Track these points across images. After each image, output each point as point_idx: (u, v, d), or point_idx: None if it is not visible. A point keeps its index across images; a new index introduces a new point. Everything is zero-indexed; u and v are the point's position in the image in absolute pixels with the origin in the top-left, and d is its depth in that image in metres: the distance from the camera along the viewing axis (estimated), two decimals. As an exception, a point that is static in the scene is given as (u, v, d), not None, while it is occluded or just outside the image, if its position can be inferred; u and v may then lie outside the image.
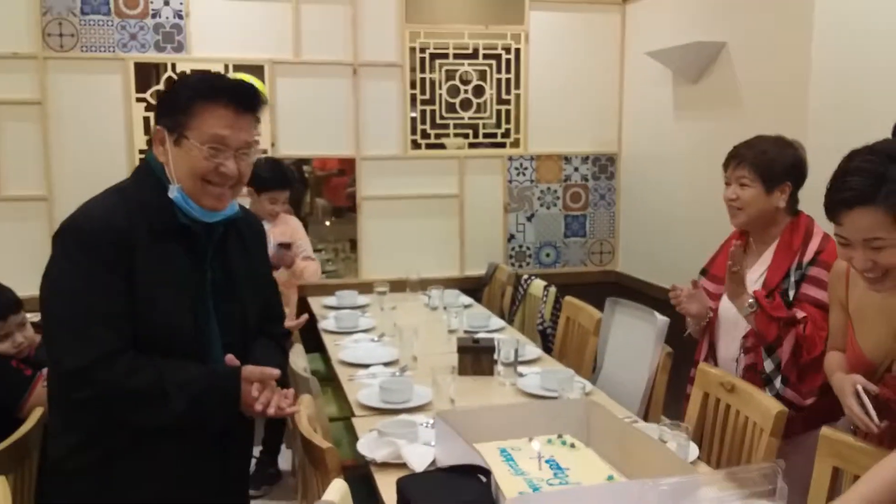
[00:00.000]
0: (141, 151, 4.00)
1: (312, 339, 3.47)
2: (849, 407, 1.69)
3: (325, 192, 4.46)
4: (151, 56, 4.03)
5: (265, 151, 4.16)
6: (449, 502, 1.40)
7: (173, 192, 1.62)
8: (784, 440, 1.93)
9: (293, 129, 4.25)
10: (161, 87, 4.01)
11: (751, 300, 2.12)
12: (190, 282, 1.64)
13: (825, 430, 1.74)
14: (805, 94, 2.94)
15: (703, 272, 2.44)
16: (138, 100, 4.01)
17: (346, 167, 4.40)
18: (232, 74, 3.99)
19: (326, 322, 3.54)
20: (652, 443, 1.73)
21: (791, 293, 2.15)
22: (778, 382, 2.13)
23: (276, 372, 1.65)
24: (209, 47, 4.08)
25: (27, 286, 2.10)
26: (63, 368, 1.55)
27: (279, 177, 3.55)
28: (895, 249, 1.53)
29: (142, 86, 4.01)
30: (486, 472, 1.49)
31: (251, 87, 1.70)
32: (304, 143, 4.30)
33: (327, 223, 4.46)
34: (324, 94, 4.27)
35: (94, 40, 3.97)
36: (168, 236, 1.62)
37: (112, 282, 1.54)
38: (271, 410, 1.63)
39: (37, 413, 1.90)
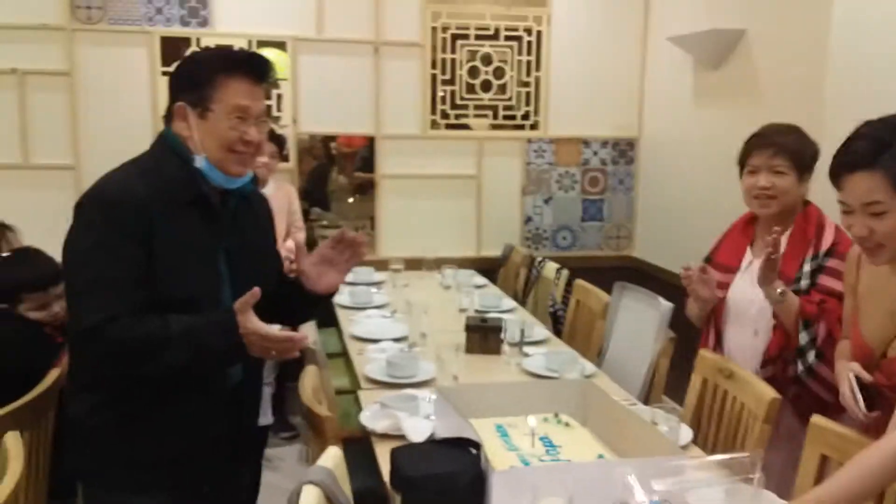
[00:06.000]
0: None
1: (329, 314, 3.54)
2: (841, 394, 1.71)
3: (349, 169, 4.51)
4: (177, 30, 4.10)
5: (285, 126, 4.23)
6: (435, 470, 1.45)
7: (200, 163, 1.69)
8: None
9: (315, 105, 4.31)
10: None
11: (781, 288, 2.08)
12: (207, 250, 1.72)
13: (815, 419, 1.76)
14: (822, 82, 2.92)
15: (707, 260, 2.44)
16: (164, 73, 4.08)
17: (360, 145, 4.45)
18: (257, 51, 4.05)
19: (341, 297, 3.60)
20: (643, 424, 1.77)
21: (804, 283, 2.15)
22: (811, 356, 2.08)
23: (255, 292, 1.64)
24: (233, 22, 4.14)
25: (54, 253, 2.16)
26: (80, 328, 1.62)
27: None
28: (894, 216, 1.53)
29: (167, 59, 4.07)
30: (477, 445, 1.54)
31: (264, 58, 1.78)
32: (326, 121, 4.35)
33: (350, 200, 4.52)
34: (345, 71, 4.32)
35: (121, 13, 4.05)
36: (186, 207, 1.69)
37: (130, 249, 1.60)
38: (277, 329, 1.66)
39: (53, 374, 1.98)
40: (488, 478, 1.47)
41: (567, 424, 1.95)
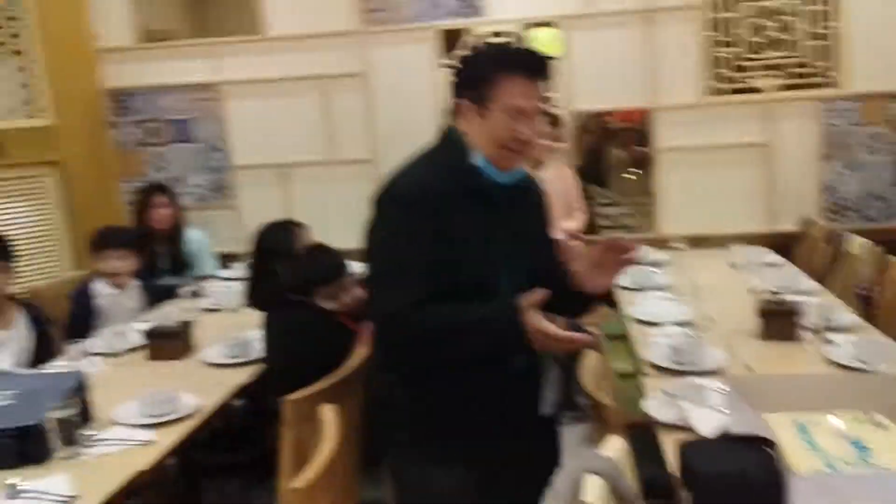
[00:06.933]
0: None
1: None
2: None
3: (627, 145, 4.41)
4: (453, 23, 4.28)
5: (560, 107, 4.24)
6: (727, 471, 1.37)
7: (477, 159, 1.77)
8: None
9: (587, 82, 4.26)
10: (457, 56, 4.24)
11: None
12: (487, 239, 1.78)
13: None
14: None
15: None
16: (441, 66, 4.30)
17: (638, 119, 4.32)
18: (532, 35, 4.11)
19: (621, 278, 3.53)
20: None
21: None
22: None
23: (542, 293, 1.64)
24: (504, 8, 4.24)
25: (355, 240, 2.37)
26: (380, 314, 1.77)
27: None
28: None
29: (445, 51, 4.28)
30: (771, 444, 1.43)
31: (542, 56, 1.79)
32: (599, 96, 4.29)
33: (629, 177, 4.41)
34: (616, 44, 4.22)
35: (403, 12, 4.35)
36: (471, 197, 1.78)
37: (426, 241, 1.72)
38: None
39: (359, 354, 2.20)
40: (788, 482, 1.35)
41: (881, 425, 1.72)
